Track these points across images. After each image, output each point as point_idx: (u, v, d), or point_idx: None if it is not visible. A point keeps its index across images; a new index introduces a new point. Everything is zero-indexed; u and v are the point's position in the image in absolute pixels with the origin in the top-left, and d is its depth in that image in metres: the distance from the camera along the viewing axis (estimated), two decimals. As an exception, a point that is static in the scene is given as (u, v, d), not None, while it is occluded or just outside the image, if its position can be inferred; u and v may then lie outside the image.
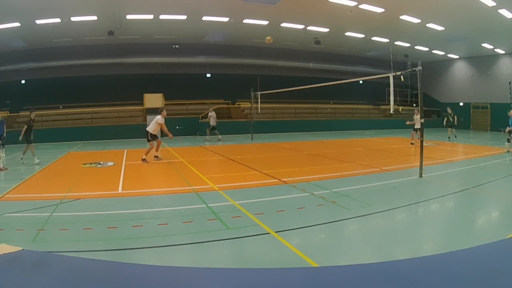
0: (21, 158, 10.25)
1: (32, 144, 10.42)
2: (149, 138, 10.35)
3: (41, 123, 18.41)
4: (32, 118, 10.62)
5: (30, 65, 20.30)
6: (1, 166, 9.14)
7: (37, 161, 10.10)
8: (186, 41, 22.01)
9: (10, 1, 12.54)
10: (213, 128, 17.36)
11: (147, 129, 10.43)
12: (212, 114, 17.51)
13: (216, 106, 21.87)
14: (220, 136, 17.28)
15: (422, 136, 7.94)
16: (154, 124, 10.30)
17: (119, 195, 6.43)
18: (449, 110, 17.15)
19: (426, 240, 4.27)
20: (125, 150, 13.28)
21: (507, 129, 12.03)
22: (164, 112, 10.65)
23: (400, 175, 8.06)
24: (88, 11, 15.02)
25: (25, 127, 10.36)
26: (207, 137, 17.34)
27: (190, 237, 4.20)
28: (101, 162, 10.14)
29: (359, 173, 8.33)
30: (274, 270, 2.73)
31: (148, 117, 20.01)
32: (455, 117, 16.83)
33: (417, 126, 13.98)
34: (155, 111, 19.66)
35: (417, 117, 14.25)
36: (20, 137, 10.21)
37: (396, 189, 6.76)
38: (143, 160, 10.24)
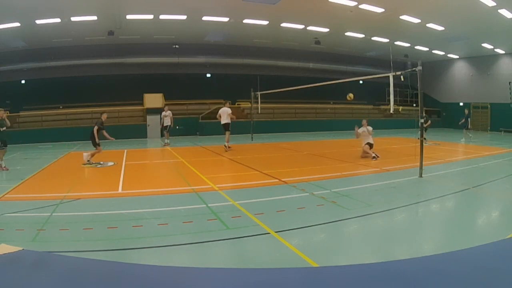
0: (88, 161, 9.80)
1: (100, 147, 10.07)
2: (228, 128, 13.00)
3: (41, 123, 18.44)
4: (104, 119, 10.23)
5: (30, 65, 20.29)
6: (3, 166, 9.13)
7: (100, 164, 9.77)
8: (186, 41, 22.00)
9: (10, 1, 12.54)
10: (166, 128, 15.38)
11: (226, 122, 12.90)
12: (168, 113, 15.42)
13: (216, 106, 21.90)
14: (168, 140, 15.40)
15: (422, 136, 7.94)
16: (227, 116, 12.91)
17: (119, 195, 6.43)
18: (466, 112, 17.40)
19: (426, 240, 4.27)
20: (125, 150, 13.28)
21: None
22: (228, 103, 13.52)
23: (400, 175, 8.06)
24: (88, 11, 15.02)
25: (96, 127, 9.95)
26: (167, 140, 15.37)
27: (190, 237, 4.20)
28: (101, 162, 10.14)
29: (359, 173, 8.33)
30: (274, 270, 2.73)
31: (148, 117, 20.08)
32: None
33: (367, 141, 10.47)
34: (155, 111, 19.88)
35: (366, 129, 10.60)
36: (97, 140, 9.90)
37: (396, 189, 6.76)
38: (229, 148, 12.63)
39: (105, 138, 10.32)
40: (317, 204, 5.63)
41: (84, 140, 17.34)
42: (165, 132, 15.59)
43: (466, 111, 17.48)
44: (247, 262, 3.66)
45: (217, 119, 19.80)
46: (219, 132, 19.05)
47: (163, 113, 15.56)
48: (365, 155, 10.39)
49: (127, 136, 18.36)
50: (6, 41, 17.50)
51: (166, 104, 16.79)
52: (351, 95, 11.73)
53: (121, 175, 8.28)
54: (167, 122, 15.40)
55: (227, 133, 12.99)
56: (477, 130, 24.37)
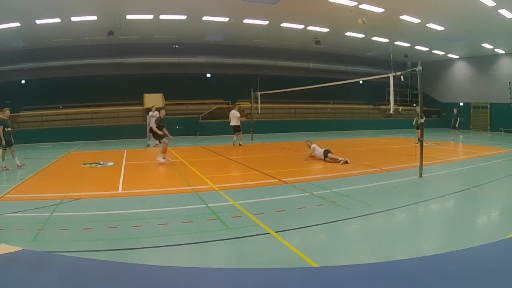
0: (164, 158, 9.93)
1: (166, 142, 10.05)
2: (239, 129, 14.36)
3: (41, 123, 18.44)
4: (162, 116, 10.40)
5: (30, 65, 20.29)
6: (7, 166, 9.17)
7: (163, 160, 9.84)
8: (186, 41, 22.00)
9: (10, 1, 12.54)
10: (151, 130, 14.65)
11: (234, 124, 14.30)
12: (155, 114, 13.71)
13: (216, 106, 21.92)
14: (150, 142, 14.54)
15: (422, 135, 7.95)
16: (237, 119, 14.25)
17: (119, 195, 6.43)
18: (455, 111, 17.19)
19: (426, 240, 4.27)
20: (125, 150, 13.27)
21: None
22: (237, 107, 14.47)
23: (400, 175, 8.06)
24: (88, 11, 15.01)
25: (154, 125, 10.05)
26: (148, 142, 14.67)
27: (190, 237, 4.20)
28: (101, 162, 10.14)
29: (359, 173, 8.33)
30: (274, 270, 2.73)
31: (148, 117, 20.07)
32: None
33: (323, 149, 10.18)
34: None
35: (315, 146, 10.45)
36: (160, 132, 9.95)
37: (396, 189, 6.76)
38: (239, 145, 13.98)
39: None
40: (317, 204, 5.63)
41: (84, 140, 17.46)
42: (149, 134, 14.17)
43: (455, 111, 17.29)
44: (247, 262, 3.66)
45: (216, 119, 20.01)
46: (219, 132, 19.15)
47: (150, 113, 14.33)
48: (331, 160, 9.86)
49: (127, 136, 18.38)
50: (6, 41, 17.49)
51: (154, 105, 15.52)
52: (363, 19, 10.79)
53: (121, 175, 8.27)
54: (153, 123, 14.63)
55: (237, 134, 14.34)
56: (477, 130, 24.40)
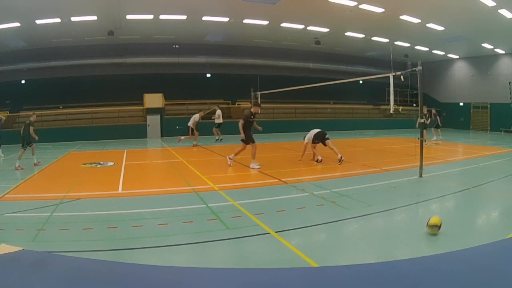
0: (255, 165, 8.88)
1: (254, 144, 9.01)
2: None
3: (41, 123, 18.42)
4: (254, 112, 9.18)
5: (30, 65, 20.30)
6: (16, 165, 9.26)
7: (257, 166, 8.79)
8: (186, 41, 22.01)
9: (10, 1, 12.54)
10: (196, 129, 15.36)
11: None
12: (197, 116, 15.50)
13: (215, 106, 21.90)
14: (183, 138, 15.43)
15: (422, 135, 7.96)
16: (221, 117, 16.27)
17: (119, 195, 6.43)
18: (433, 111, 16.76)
19: (426, 240, 4.26)
20: (125, 150, 13.27)
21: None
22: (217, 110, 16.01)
23: (400, 175, 8.05)
24: (88, 11, 15.02)
25: (241, 121, 9.01)
26: (182, 137, 15.34)
27: (190, 237, 4.19)
28: (101, 162, 10.14)
29: (359, 173, 8.33)
30: (274, 270, 2.73)
31: (148, 117, 20.08)
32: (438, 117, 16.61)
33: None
34: (155, 111, 19.88)
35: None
36: (242, 135, 8.99)
37: (396, 189, 6.76)
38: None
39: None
40: (317, 204, 5.63)
41: (84, 140, 17.45)
42: (194, 132, 15.30)
43: (434, 111, 16.82)
44: (247, 262, 3.66)
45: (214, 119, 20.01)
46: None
47: (198, 115, 15.37)
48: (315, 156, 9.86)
49: (127, 136, 18.39)
50: (6, 41, 17.51)
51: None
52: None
53: (121, 175, 8.28)
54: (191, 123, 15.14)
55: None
56: (477, 130, 24.40)
